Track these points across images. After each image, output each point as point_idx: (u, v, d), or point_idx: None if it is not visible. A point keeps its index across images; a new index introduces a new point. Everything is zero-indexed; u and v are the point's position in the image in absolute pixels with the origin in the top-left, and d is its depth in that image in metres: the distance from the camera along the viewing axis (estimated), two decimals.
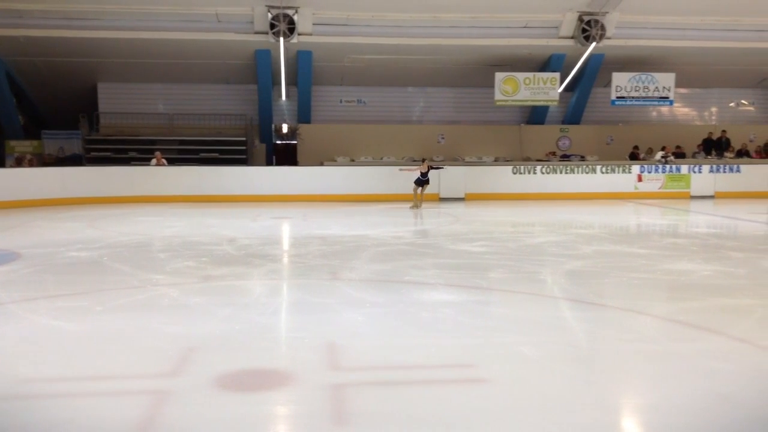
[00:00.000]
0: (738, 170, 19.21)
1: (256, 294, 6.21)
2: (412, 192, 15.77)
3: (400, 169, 17.26)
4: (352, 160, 21.14)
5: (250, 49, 19.85)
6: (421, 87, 23.29)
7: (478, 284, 6.62)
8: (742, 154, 21.61)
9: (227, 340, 4.60)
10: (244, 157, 21.27)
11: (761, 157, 21.51)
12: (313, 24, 19.25)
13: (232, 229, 11.35)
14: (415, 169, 16.25)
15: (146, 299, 5.97)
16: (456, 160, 21.48)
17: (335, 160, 20.84)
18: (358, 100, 23.21)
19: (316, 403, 3.44)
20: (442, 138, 22.43)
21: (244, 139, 21.60)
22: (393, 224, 12.10)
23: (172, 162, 19.23)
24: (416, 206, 15.49)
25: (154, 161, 18.61)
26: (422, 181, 15.70)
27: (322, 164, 20.04)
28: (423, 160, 16.42)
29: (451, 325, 5.07)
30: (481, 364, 4.08)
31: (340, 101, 23.15)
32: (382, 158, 21.49)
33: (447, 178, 18.23)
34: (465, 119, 23.29)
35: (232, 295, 6.09)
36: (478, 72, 21.64)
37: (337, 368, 4.03)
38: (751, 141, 22.51)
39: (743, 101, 24.55)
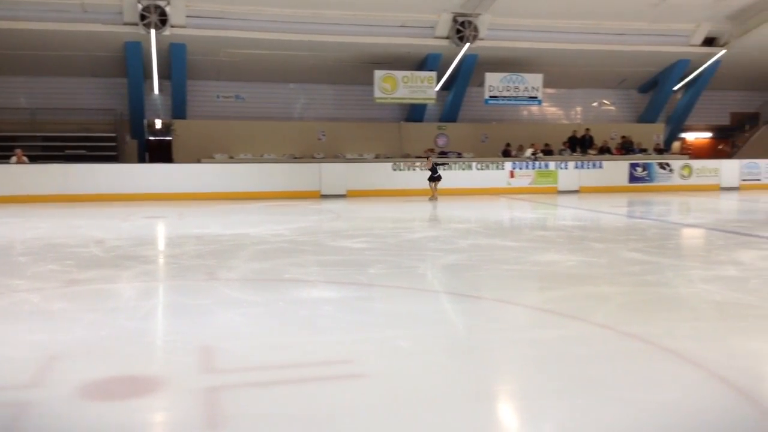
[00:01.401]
0: (600, 166, 20.47)
1: (126, 297, 5.93)
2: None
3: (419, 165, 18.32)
4: (231, 158, 20.69)
5: (119, 40, 18.96)
6: (301, 83, 23.14)
7: (357, 280, 6.65)
8: (604, 151, 23.04)
9: (93, 346, 4.35)
10: (114, 153, 20.30)
11: (621, 154, 23.03)
12: (187, 16, 18.67)
13: (101, 229, 10.79)
14: (425, 164, 17.37)
15: (4, 306, 5.54)
16: (337, 157, 21.53)
17: (213, 157, 20.31)
18: (236, 96, 22.72)
19: (188, 408, 3.32)
20: (323, 135, 22.41)
21: (113, 134, 20.61)
22: (273, 222, 11.95)
23: (34, 160, 18.04)
24: (434, 198, 16.65)
25: (14, 159, 17.38)
26: (433, 177, 16.74)
27: (199, 161, 19.48)
28: (427, 158, 17.70)
29: (330, 321, 5.05)
30: (359, 360, 4.09)
31: (217, 96, 22.57)
32: (262, 155, 21.17)
33: (328, 175, 18.24)
34: (346, 116, 23.37)
35: (99, 300, 5.78)
36: (358, 69, 21.78)
37: (211, 371, 3.91)
38: (612, 138, 24.05)
39: (605, 101, 26.18)
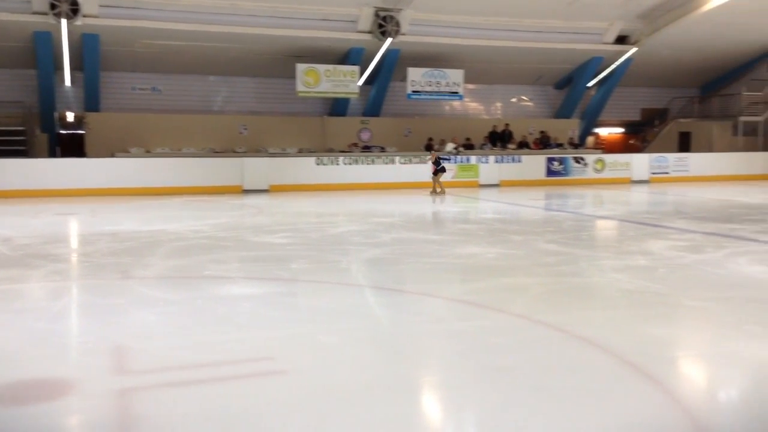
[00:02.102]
0: (519, 160, 20.97)
1: (35, 298, 5.67)
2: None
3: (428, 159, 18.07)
4: (148, 152, 20.05)
5: (27, 30, 18.04)
6: (221, 76, 22.64)
7: (279, 276, 6.58)
8: (523, 145, 23.61)
9: None
10: (23, 148, 19.33)
11: (538, 148, 23.66)
12: (100, 6, 17.93)
13: (9, 227, 10.26)
14: (429, 159, 17.46)
15: None
16: (259, 151, 21.21)
17: (129, 152, 19.62)
18: (152, 88, 22.02)
19: (99, 411, 3.20)
20: (245, 129, 22.03)
21: (22, 128, 19.63)
22: (193, 218, 11.66)
23: None
24: (434, 192, 16.67)
25: None
26: (436, 170, 16.83)
27: (113, 156, 18.79)
28: (432, 152, 17.71)
29: (250, 318, 4.98)
30: (280, 356, 4.05)
31: (133, 88, 21.79)
32: (181, 149, 20.62)
33: (250, 170, 17.99)
34: (268, 110, 23.03)
35: (6, 301, 5.49)
36: (280, 62, 21.51)
37: (124, 372, 3.79)
38: (530, 133, 24.65)
39: (523, 97, 26.80)
